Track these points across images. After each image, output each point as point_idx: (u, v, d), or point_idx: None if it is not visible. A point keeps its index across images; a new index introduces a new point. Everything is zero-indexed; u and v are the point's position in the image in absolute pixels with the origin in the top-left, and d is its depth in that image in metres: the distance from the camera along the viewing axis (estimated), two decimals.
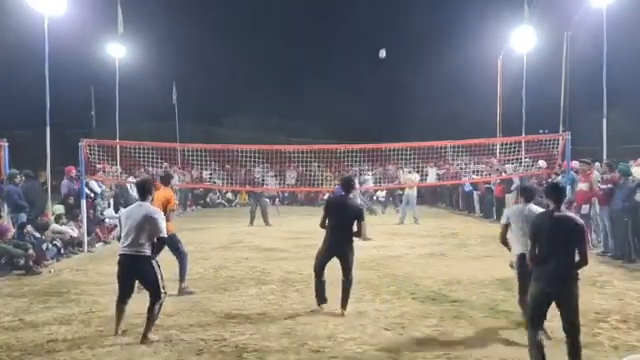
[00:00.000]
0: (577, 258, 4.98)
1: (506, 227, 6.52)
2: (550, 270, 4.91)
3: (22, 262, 9.92)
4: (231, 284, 8.95)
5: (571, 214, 5.35)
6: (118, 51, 20.74)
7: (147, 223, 6.06)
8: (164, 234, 6.18)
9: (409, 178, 16.72)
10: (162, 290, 6.13)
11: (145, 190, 6.38)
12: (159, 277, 6.14)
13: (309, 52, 34.69)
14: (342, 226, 7.17)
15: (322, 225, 7.32)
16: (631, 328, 6.50)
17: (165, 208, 8.21)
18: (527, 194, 6.60)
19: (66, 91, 22.52)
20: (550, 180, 13.92)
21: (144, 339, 6.01)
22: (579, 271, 4.98)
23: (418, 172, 16.69)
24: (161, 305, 6.16)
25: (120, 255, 6.23)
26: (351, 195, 7.62)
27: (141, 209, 6.18)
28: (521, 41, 19.57)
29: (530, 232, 5.25)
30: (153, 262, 6.14)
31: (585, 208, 11.73)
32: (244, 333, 6.43)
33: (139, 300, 6.33)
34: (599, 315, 6.97)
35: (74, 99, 28.97)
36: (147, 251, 6.09)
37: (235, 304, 7.71)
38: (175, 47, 31.54)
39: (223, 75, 34.03)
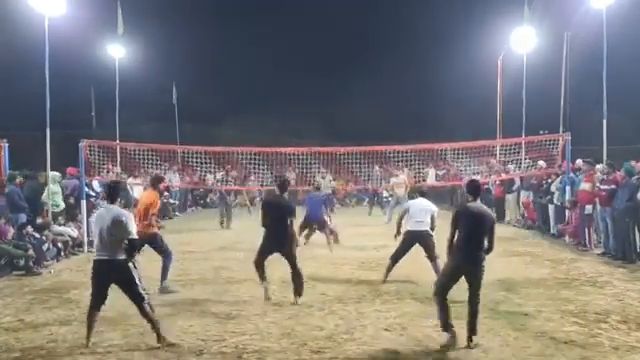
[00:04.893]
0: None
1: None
2: (466, 252, 5.94)
3: (22, 263, 9.94)
4: (231, 284, 8.96)
5: (485, 207, 6.18)
6: (118, 51, 20.74)
7: (115, 226, 5.92)
8: (133, 236, 6.02)
9: (396, 182, 16.67)
10: (142, 291, 6.03)
11: (114, 193, 6.26)
12: (136, 279, 6.02)
13: (310, 53, 34.64)
14: (278, 223, 7.68)
15: (263, 224, 7.80)
16: (631, 329, 6.50)
17: (147, 210, 8.24)
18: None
19: (66, 92, 22.52)
20: (550, 180, 13.96)
21: (162, 341, 5.98)
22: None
23: (413, 171, 16.58)
24: (150, 305, 6.09)
25: (94, 261, 6.11)
26: (285, 195, 8.04)
27: (108, 213, 6.07)
28: (521, 41, 19.54)
29: (452, 220, 6.06)
30: (129, 265, 6.00)
31: (588, 208, 11.73)
32: (244, 333, 6.44)
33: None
34: (599, 315, 6.97)
35: (74, 100, 28.97)
36: (121, 255, 5.96)
37: (235, 304, 7.71)
38: (175, 47, 31.47)
39: (223, 75, 33.98)
